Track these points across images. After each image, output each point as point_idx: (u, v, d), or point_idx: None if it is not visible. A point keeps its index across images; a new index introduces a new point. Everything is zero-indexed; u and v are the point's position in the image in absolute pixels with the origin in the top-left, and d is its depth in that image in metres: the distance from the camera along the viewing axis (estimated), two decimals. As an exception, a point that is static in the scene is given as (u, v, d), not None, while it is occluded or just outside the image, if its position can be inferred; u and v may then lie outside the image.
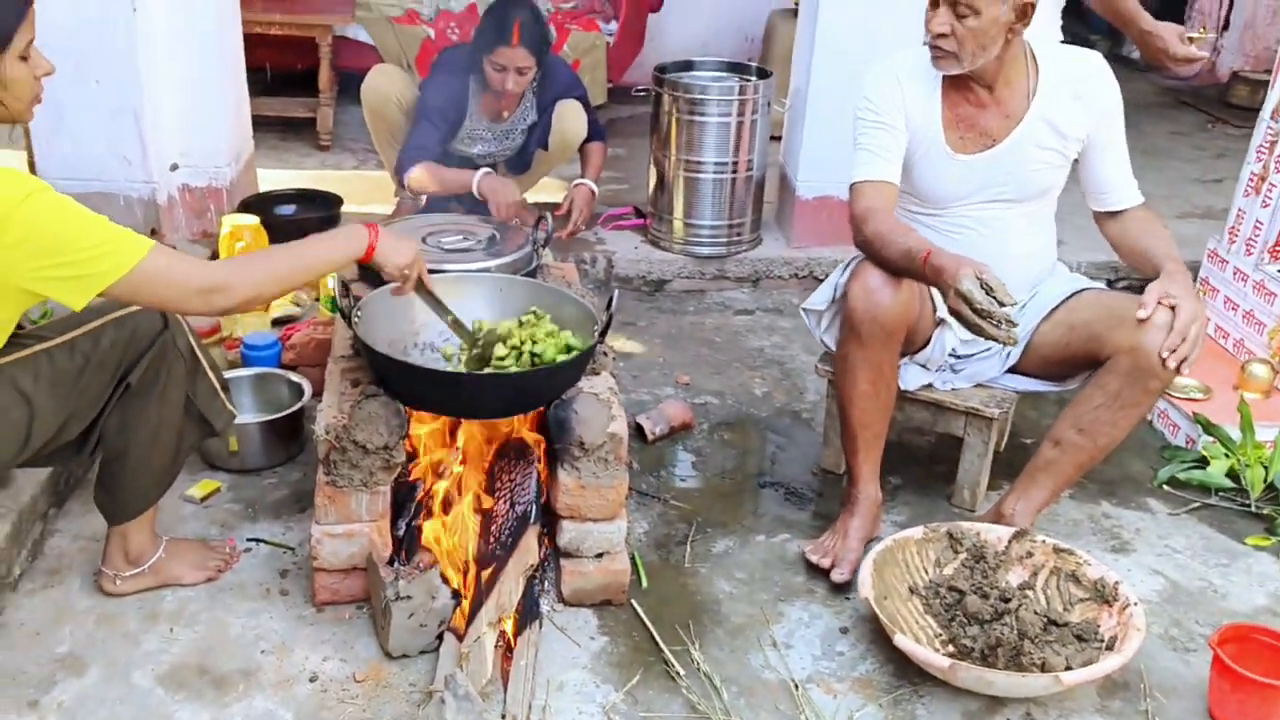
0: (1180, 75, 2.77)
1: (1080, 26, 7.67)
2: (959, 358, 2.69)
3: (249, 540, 2.52)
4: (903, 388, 2.65)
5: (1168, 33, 2.89)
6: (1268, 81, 6.35)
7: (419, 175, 3.63)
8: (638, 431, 3.03)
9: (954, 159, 2.51)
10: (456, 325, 2.31)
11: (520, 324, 2.36)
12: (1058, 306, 2.58)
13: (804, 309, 2.73)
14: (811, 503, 2.83)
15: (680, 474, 2.91)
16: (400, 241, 2.14)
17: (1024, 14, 2.36)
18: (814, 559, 2.52)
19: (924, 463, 3.01)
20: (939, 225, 2.59)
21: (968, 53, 2.39)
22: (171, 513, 2.59)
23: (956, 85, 2.49)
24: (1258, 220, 3.44)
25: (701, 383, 3.39)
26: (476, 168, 3.73)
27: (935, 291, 2.52)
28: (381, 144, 3.95)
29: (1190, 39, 2.90)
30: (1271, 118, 3.39)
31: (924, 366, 2.68)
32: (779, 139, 4.36)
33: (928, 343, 2.63)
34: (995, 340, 2.20)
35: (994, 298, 2.17)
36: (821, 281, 4.03)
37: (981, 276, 2.20)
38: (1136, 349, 2.32)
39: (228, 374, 2.86)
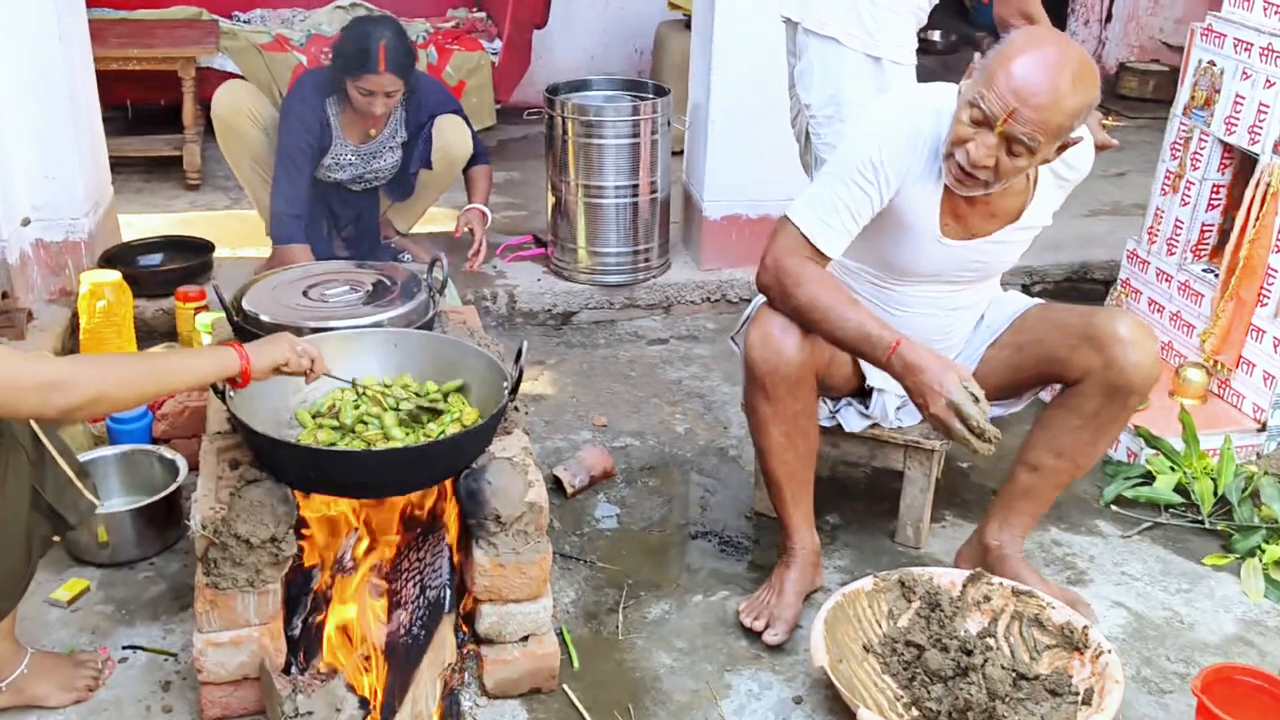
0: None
1: (965, 26, 7.69)
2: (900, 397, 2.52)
3: (125, 648, 2.25)
4: (846, 429, 2.50)
5: (1091, 119, 2.81)
6: (1156, 71, 6.47)
7: (289, 256, 3.46)
8: (555, 485, 2.85)
9: (939, 243, 2.29)
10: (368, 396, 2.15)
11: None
12: (1004, 330, 2.44)
13: (732, 337, 2.57)
14: (748, 552, 2.66)
15: (605, 529, 2.73)
16: (273, 347, 1.98)
17: (1065, 148, 2.12)
18: (747, 621, 2.37)
19: (862, 498, 2.86)
20: (885, 296, 2.40)
21: (999, 184, 2.14)
22: (35, 620, 2.32)
23: None
24: (1178, 219, 3.36)
25: (619, 423, 3.23)
26: (351, 193, 3.62)
27: None
28: (239, 165, 3.71)
29: (1103, 125, 2.90)
30: (1183, 114, 3.31)
31: (864, 413, 2.51)
32: (680, 153, 4.24)
33: (860, 389, 2.47)
34: (976, 451, 2.05)
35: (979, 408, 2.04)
36: (736, 306, 3.99)
37: (967, 385, 2.05)
38: (1110, 367, 2.22)
39: (90, 454, 2.64)
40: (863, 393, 2.52)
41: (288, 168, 3.50)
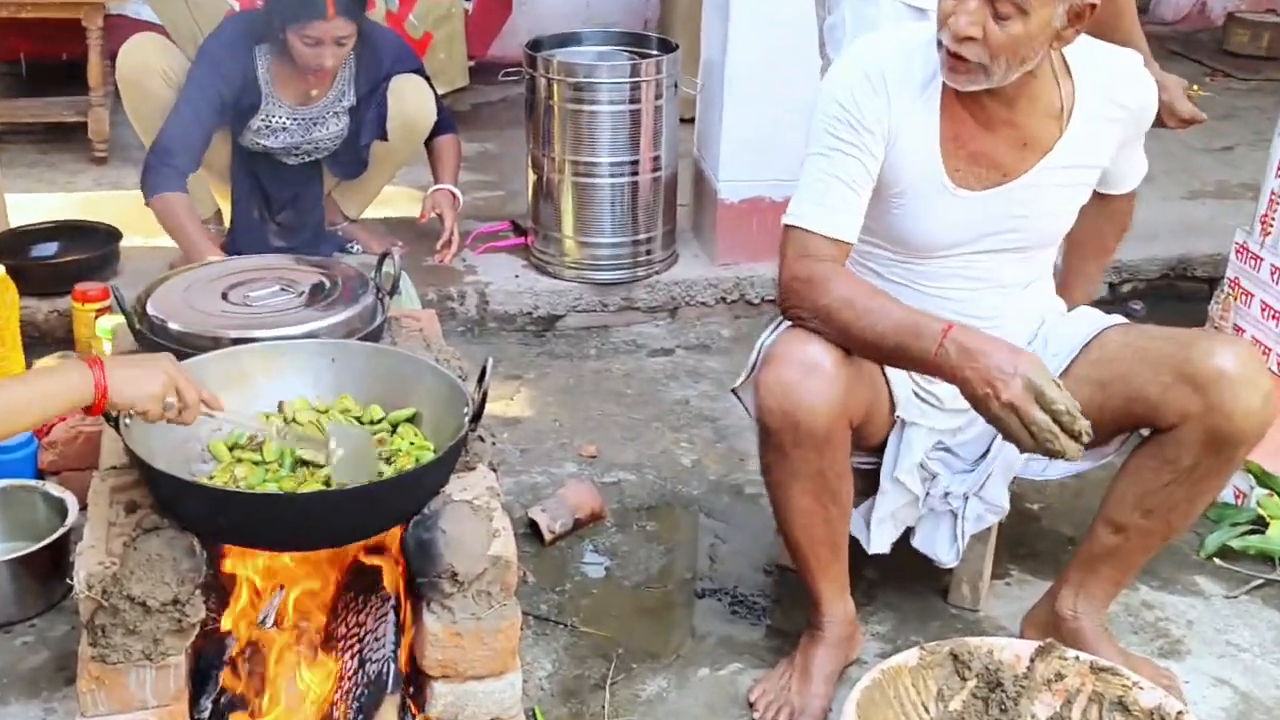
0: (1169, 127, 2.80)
1: None
2: (946, 451, 2.49)
3: (-6, 733, 2.22)
4: (872, 550, 2.48)
5: (1175, 87, 2.84)
6: (1271, 24, 6.42)
7: (164, 206, 3.41)
8: (531, 529, 2.84)
9: (953, 196, 2.27)
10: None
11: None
12: (1076, 358, 2.38)
13: (734, 390, 2.54)
14: (766, 614, 2.66)
15: (591, 585, 2.73)
16: (142, 370, 1.91)
17: (1079, 18, 2.12)
18: (762, 714, 2.35)
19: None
20: (913, 280, 2.38)
21: (1000, 66, 2.12)
22: (-112, 695, 2.30)
23: (961, 97, 2.25)
24: (1298, 205, 3.30)
25: (612, 453, 3.22)
26: (286, 168, 3.62)
27: (894, 378, 2.37)
28: (149, 133, 3.68)
29: (1189, 94, 2.91)
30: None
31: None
32: (691, 121, 4.24)
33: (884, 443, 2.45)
34: (1058, 456, 2.02)
35: None
36: (757, 308, 3.96)
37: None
38: (1213, 412, 2.18)
39: (-40, 492, 2.61)
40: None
41: (183, 109, 3.45)
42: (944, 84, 2.21)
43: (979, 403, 2.07)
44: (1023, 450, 2.07)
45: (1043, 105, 2.25)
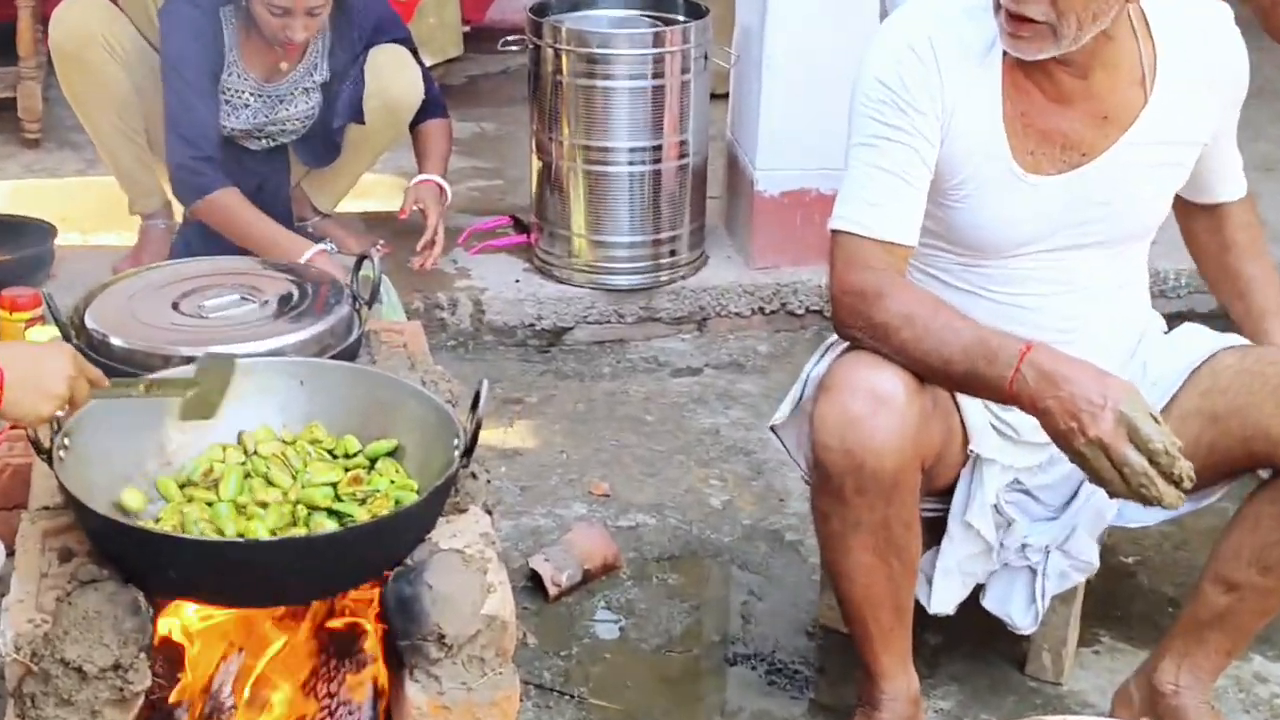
0: None
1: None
2: (1025, 494, 2.49)
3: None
4: (932, 611, 2.47)
5: None
6: None
7: (222, 207, 3.45)
8: (533, 582, 2.87)
9: (1023, 182, 2.29)
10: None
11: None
12: (1183, 387, 2.40)
13: (772, 427, 2.57)
14: (809, 685, 2.68)
15: (603, 649, 2.76)
16: (43, 367, 1.92)
17: None
18: None
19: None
20: (983, 286, 2.40)
21: (1070, 26, 2.14)
22: None
23: (1027, 68, 2.27)
24: None
25: (628, 492, 3.24)
26: (248, 153, 3.67)
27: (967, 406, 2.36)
28: (91, 116, 3.74)
29: None
30: None
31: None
32: (725, 97, 4.26)
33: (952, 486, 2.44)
34: (1153, 503, 2.04)
35: None
36: (801, 320, 3.97)
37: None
38: None
39: None
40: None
41: (181, 91, 3.49)
42: (1004, 52, 2.23)
43: (1062, 438, 2.07)
44: (1111, 495, 2.08)
45: (1123, 73, 2.27)
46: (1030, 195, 2.30)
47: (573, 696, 2.58)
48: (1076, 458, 2.07)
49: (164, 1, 3.58)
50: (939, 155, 2.26)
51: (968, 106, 2.26)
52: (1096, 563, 2.45)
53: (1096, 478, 2.06)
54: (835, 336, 2.41)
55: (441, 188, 3.86)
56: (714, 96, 4.02)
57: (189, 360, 2.26)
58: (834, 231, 2.27)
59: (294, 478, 2.13)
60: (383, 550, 2.06)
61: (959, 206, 2.32)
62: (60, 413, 1.93)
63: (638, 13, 3.99)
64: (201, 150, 3.49)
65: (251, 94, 3.64)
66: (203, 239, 3.62)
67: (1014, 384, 2.08)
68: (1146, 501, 2.04)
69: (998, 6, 2.16)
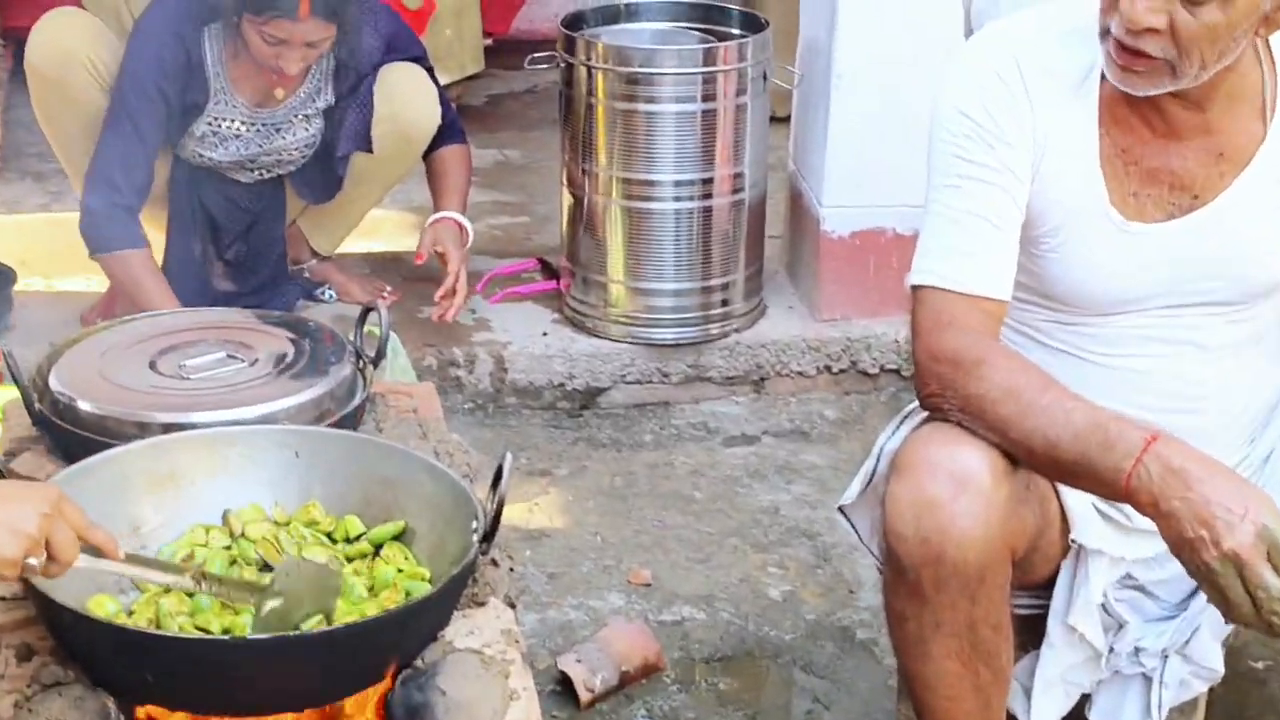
0: None
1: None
2: (1139, 590, 2.48)
3: None
4: None
5: None
6: None
7: (125, 268, 3.54)
8: (563, 687, 2.88)
9: (1123, 232, 2.29)
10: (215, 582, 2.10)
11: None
12: None
13: (840, 507, 2.55)
14: None
15: None
16: (10, 501, 1.91)
17: None
18: None
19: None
20: (1082, 347, 2.39)
21: (1191, 64, 2.13)
22: None
23: (1131, 100, 2.28)
24: None
25: (673, 580, 3.25)
26: (241, 186, 3.70)
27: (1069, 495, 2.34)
28: (67, 145, 3.80)
29: None
30: None
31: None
32: (786, 121, 4.29)
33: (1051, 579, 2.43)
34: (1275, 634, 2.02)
35: None
36: (874, 380, 3.98)
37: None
38: None
39: None
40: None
41: (121, 126, 3.55)
42: (1100, 79, 2.24)
43: (1186, 547, 2.02)
44: (1232, 620, 2.05)
45: (1242, 106, 2.27)
46: (1132, 245, 2.29)
47: (609, 822, 2.61)
48: (1201, 571, 2.02)
49: (139, 16, 3.64)
50: (1032, 199, 2.27)
51: (1060, 142, 2.26)
52: (1221, 669, 2.44)
53: (1220, 598, 2.02)
54: (915, 403, 2.40)
55: (462, 226, 3.88)
56: (774, 120, 4.04)
57: (168, 429, 2.28)
58: (915, 287, 2.27)
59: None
60: (390, 650, 2.06)
61: (1051, 257, 2.32)
62: (34, 561, 1.89)
63: (686, 25, 4.01)
64: (123, 198, 3.54)
65: (242, 122, 3.69)
66: (183, 287, 3.64)
67: (1132, 478, 2.05)
68: (1275, 633, 2.01)
69: (1105, 32, 2.16)
